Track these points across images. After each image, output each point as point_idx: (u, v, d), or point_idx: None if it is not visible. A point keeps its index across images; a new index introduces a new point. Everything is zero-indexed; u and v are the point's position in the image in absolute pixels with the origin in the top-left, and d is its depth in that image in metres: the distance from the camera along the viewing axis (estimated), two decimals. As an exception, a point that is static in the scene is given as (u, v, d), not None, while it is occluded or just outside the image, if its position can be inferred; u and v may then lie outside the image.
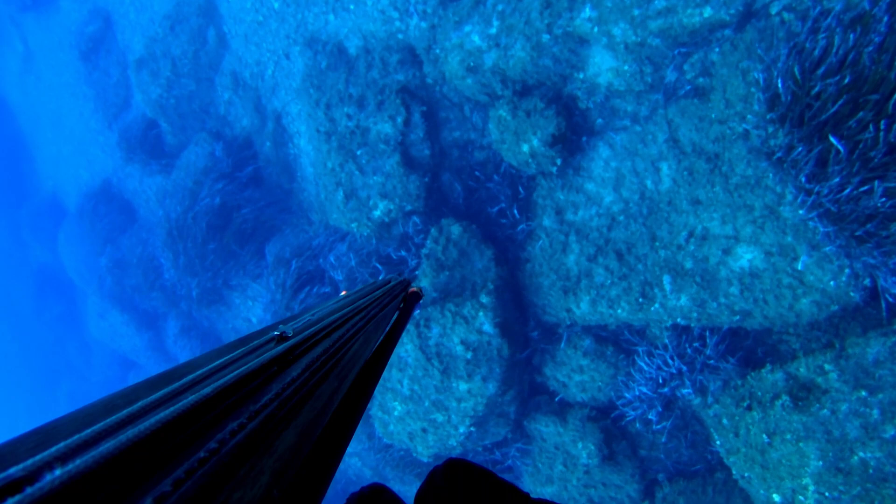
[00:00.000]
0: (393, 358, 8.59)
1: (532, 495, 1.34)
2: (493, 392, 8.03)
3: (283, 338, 1.06)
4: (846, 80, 5.15)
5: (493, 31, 7.74)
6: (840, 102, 5.16)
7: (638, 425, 8.14)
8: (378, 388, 8.80)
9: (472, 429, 8.28)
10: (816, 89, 5.35)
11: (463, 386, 8.02)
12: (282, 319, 1.26)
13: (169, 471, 0.59)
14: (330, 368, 1.03)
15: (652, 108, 7.50)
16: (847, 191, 5.32)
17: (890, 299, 5.83)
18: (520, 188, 8.53)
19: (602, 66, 7.62)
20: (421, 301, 2.28)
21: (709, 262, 6.74)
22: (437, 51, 8.41)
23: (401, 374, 8.42)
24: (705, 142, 6.74)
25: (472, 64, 7.95)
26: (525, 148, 7.73)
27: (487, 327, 7.85)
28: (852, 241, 5.64)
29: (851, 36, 5.18)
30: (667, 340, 7.62)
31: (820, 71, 5.33)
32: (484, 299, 7.88)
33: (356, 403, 1.24)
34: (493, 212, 8.76)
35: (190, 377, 0.81)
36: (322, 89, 9.19)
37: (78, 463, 0.52)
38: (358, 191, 8.85)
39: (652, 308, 7.21)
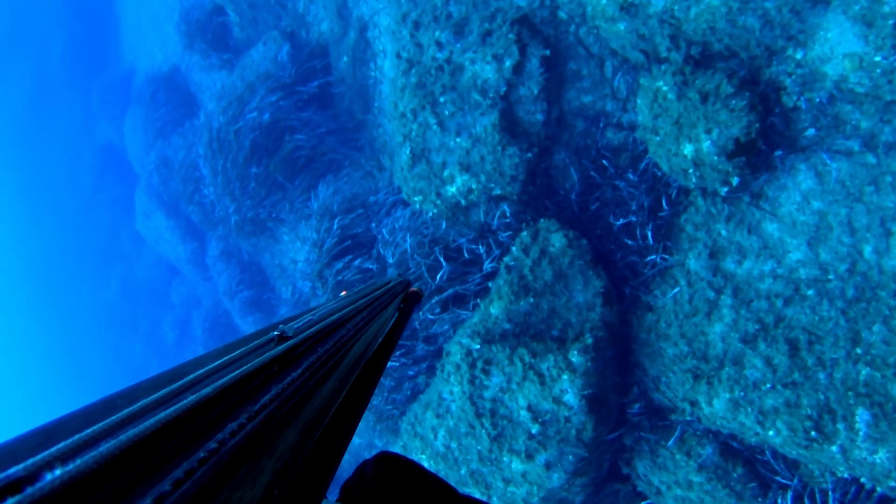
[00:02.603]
0: (431, 395, 6.53)
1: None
2: (556, 485, 5.85)
3: (283, 338, 1.06)
4: None
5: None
6: None
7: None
8: (407, 431, 6.79)
9: (514, 522, 6.17)
10: None
11: (517, 465, 5.92)
12: (282, 319, 1.26)
13: (169, 470, 0.60)
14: (330, 368, 1.06)
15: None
16: None
17: None
18: (663, 201, 6.13)
19: (836, 47, 5.06)
20: (421, 301, 2.33)
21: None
22: (585, -27, 5.96)
23: (437, 420, 6.37)
24: None
25: (631, 0, 5.45)
26: (688, 150, 5.28)
27: (571, 398, 5.66)
28: None
29: None
30: (830, 486, 5.19)
31: None
32: (575, 357, 5.66)
33: (357, 404, 1.27)
34: (617, 224, 6.45)
35: (190, 377, 0.82)
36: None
37: (78, 463, 0.53)
38: (431, 153, 6.64)
39: (826, 449, 4.80)
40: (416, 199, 6.92)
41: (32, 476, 0.50)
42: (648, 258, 6.34)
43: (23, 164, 32.93)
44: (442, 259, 6.85)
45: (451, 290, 6.82)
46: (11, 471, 0.50)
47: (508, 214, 6.67)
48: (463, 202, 6.67)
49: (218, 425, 0.71)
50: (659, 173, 6.33)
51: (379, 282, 1.85)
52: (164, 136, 14.63)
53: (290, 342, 1.01)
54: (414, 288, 2.01)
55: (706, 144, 5.17)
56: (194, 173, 12.25)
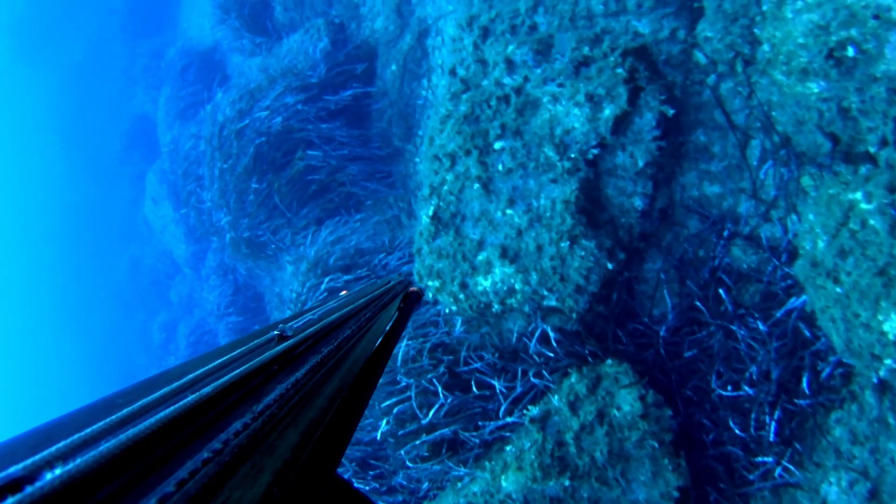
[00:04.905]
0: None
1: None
2: None
3: (283, 337, 1.08)
4: None
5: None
6: None
7: None
8: None
9: None
10: None
11: None
12: (282, 319, 1.26)
13: (172, 470, 0.60)
14: (331, 368, 1.05)
15: None
16: None
17: None
18: (805, 380, 4.13)
19: None
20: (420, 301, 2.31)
21: None
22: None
23: None
24: None
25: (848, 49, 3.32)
26: (891, 324, 3.00)
27: None
28: None
29: None
30: None
31: None
32: None
33: (357, 403, 1.25)
34: (722, 393, 4.21)
35: (190, 376, 0.83)
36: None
37: (78, 462, 0.53)
38: (465, 222, 4.58)
39: None
40: (430, 283, 4.76)
41: (32, 475, 0.50)
42: (760, 459, 4.08)
43: (71, 116, 32.17)
44: (440, 388, 4.62)
45: (447, 430, 4.59)
46: (11, 470, 0.50)
47: (559, 342, 4.46)
48: (496, 307, 4.50)
49: (219, 424, 0.71)
50: (808, 334, 4.08)
51: (379, 282, 1.87)
52: (183, 120, 12.97)
53: (289, 342, 1.02)
54: (413, 288, 1.96)
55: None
56: (197, 170, 10.41)
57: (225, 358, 0.93)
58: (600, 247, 4.18)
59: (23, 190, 44.16)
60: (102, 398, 0.80)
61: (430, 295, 4.84)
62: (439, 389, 4.55)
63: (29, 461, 0.52)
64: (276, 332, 1.08)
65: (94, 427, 0.61)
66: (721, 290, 4.46)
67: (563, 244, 4.15)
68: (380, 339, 1.51)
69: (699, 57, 4.76)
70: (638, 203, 4.36)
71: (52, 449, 0.55)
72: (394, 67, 7.61)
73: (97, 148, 26.89)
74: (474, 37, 5.03)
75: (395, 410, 4.86)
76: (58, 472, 0.51)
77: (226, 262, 12.16)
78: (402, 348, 4.89)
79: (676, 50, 4.73)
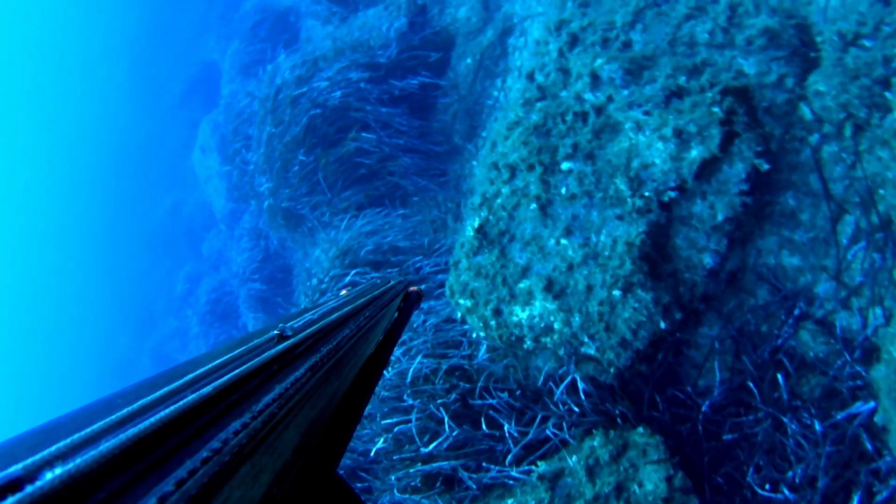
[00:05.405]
0: None
1: None
2: None
3: (283, 337, 1.05)
4: None
5: None
6: None
7: None
8: None
9: None
10: None
11: None
12: (282, 318, 1.24)
13: (171, 469, 0.59)
14: (331, 368, 1.05)
15: None
16: None
17: None
18: (857, 498, 3.46)
19: None
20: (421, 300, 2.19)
21: None
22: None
23: None
24: None
25: None
26: None
27: None
28: None
29: None
30: None
31: None
32: None
33: (357, 403, 1.25)
34: (758, 491, 3.77)
35: (190, 376, 0.81)
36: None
37: (78, 461, 0.52)
38: (513, 243, 4.19)
39: None
40: (461, 301, 4.34)
41: (32, 474, 0.50)
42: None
43: (142, 52, 32.50)
44: (446, 416, 4.19)
45: (446, 464, 4.16)
46: (11, 470, 0.50)
47: (588, 393, 4.01)
48: (529, 343, 4.06)
49: (220, 424, 0.71)
50: (870, 447, 3.59)
51: (380, 281, 1.85)
52: (245, 75, 12.80)
53: (290, 341, 1.02)
54: (414, 288, 1.96)
55: None
56: (247, 129, 10.13)
57: (225, 358, 0.93)
58: (657, 301, 3.72)
59: (80, 116, 44.84)
60: (102, 398, 0.79)
61: (459, 314, 4.42)
62: (446, 420, 4.12)
63: (29, 461, 0.51)
64: (276, 332, 1.06)
65: (94, 427, 0.60)
66: (779, 375, 3.97)
67: (615, 291, 3.70)
68: (380, 339, 1.51)
69: (805, 111, 4.27)
70: (708, 260, 3.89)
71: (52, 449, 0.54)
72: (469, 61, 7.21)
73: (161, 87, 27.08)
74: (561, 43, 4.60)
75: (395, 430, 4.45)
76: (58, 471, 0.50)
77: (260, 228, 11.93)
78: (414, 365, 4.48)
79: (781, 99, 4.24)
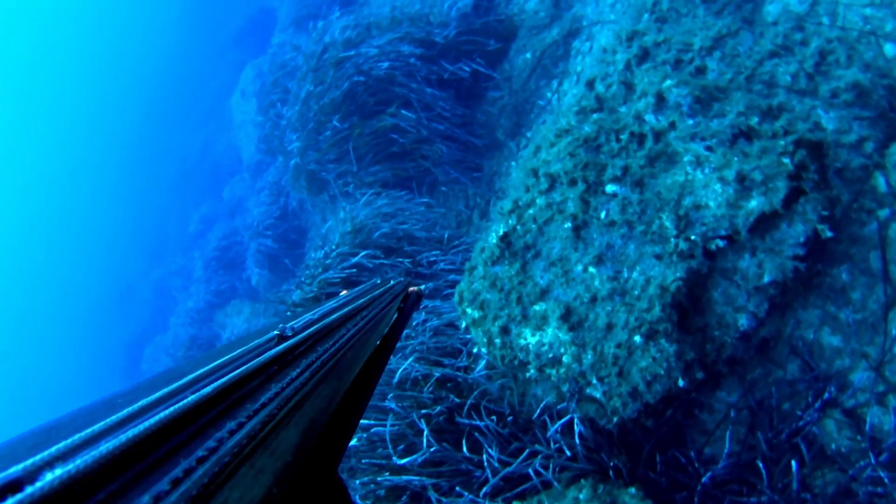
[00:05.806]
0: None
1: None
2: None
3: (283, 337, 1.08)
4: None
5: None
6: None
7: None
8: None
9: None
10: None
11: None
12: (282, 318, 1.26)
13: (169, 469, 0.60)
14: (331, 368, 1.06)
15: None
16: None
17: None
18: None
19: None
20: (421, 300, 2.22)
21: None
22: None
23: None
24: None
25: None
26: None
27: None
28: None
29: None
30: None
31: None
32: None
33: (356, 403, 1.23)
34: None
35: (190, 376, 0.83)
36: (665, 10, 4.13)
37: (78, 462, 0.53)
38: (536, 261, 3.87)
39: None
40: (468, 310, 4.01)
41: (32, 475, 0.50)
42: None
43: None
44: (426, 429, 3.86)
45: (416, 480, 3.85)
46: (11, 470, 0.50)
47: (583, 436, 3.69)
48: (532, 371, 3.73)
49: (218, 424, 0.71)
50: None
51: (379, 281, 1.87)
52: (297, 28, 12.56)
53: (289, 342, 1.03)
54: (414, 288, 1.96)
55: None
56: (286, 83, 9.87)
57: (225, 358, 0.92)
58: (679, 355, 3.38)
59: (131, 49, 44.83)
60: (102, 398, 0.79)
61: (463, 324, 4.10)
62: (426, 432, 3.80)
63: (29, 461, 0.52)
64: (276, 332, 1.07)
65: (94, 427, 0.61)
66: (793, 461, 3.63)
67: (637, 336, 3.37)
68: (379, 339, 1.48)
69: (879, 182, 3.90)
70: (743, 322, 3.54)
71: (52, 449, 0.54)
72: (528, 56, 6.88)
73: (216, 26, 26.87)
74: (630, 55, 4.24)
75: (372, 430, 4.16)
76: (58, 472, 0.50)
77: (282, 185, 11.73)
78: (404, 366, 4.17)
79: (856, 163, 3.87)
